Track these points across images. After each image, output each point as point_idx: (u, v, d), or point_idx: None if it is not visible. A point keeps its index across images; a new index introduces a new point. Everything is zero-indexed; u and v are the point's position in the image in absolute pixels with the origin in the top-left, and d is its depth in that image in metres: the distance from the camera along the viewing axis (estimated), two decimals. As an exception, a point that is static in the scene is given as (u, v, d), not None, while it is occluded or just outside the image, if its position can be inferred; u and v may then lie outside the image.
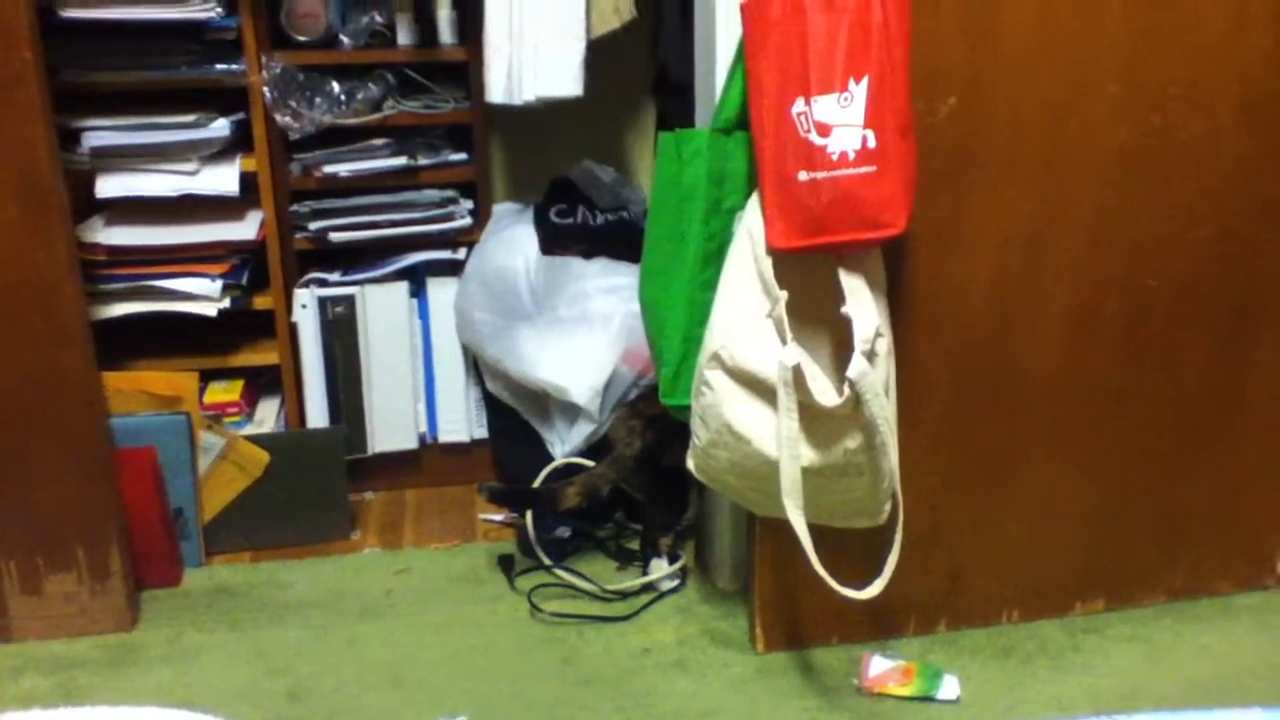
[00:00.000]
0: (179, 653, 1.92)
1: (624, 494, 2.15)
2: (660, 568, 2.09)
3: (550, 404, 2.22)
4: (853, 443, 1.54)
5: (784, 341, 1.50)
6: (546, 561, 2.12)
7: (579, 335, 2.17)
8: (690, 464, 1.71)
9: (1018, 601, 1.97)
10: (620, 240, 2.32)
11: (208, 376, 2.22)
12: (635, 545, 2.20)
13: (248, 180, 2.12)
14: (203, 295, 2.12)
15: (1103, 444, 1.90)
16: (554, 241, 2.31)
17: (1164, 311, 1.83)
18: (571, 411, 2.18)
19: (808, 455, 1.54)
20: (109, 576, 1.94)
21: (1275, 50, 1.71)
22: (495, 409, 2.35)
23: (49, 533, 1.91)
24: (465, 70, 2.25)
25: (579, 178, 2.43)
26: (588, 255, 2.30)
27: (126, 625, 1.97)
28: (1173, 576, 2.02)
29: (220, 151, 2.10)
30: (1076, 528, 1.95)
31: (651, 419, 2.07)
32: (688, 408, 1.67)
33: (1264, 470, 1.99)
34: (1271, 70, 1.72)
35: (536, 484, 2.17)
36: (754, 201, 1.56)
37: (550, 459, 2.20)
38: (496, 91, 2.10)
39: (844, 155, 1.43)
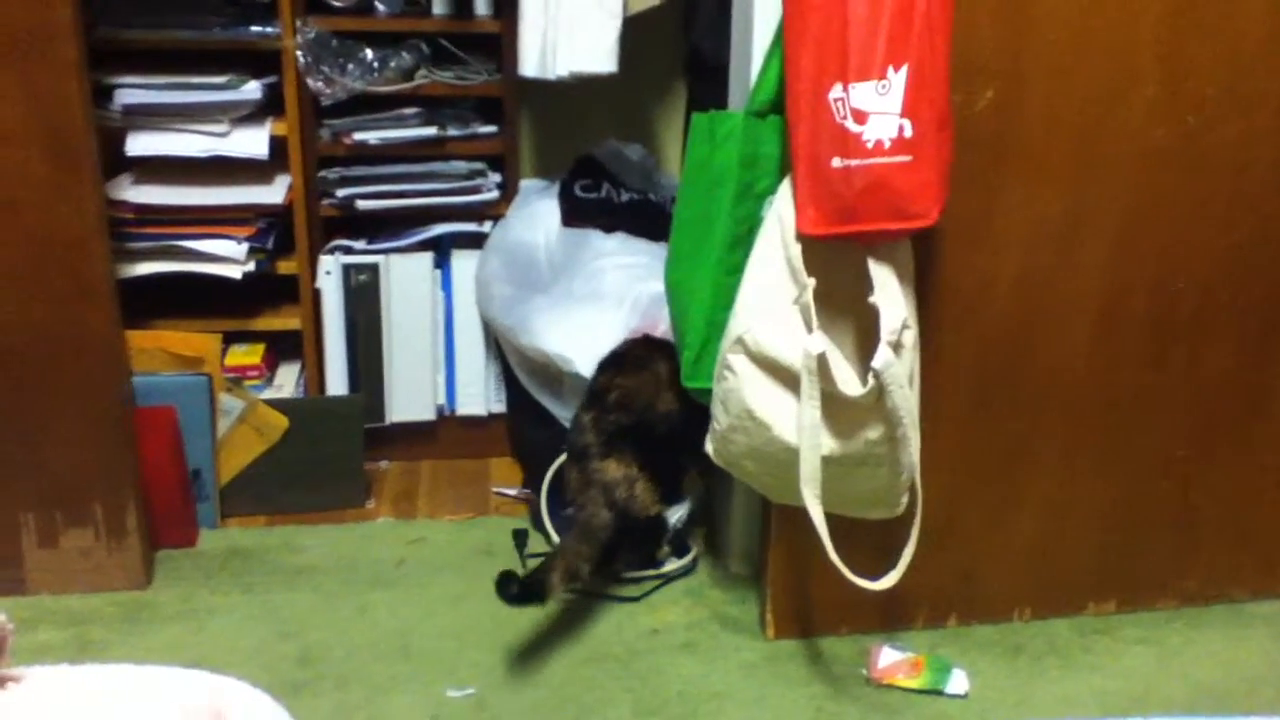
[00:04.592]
0: (191, 612, 1.93)
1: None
2: (671, 562, 2.10)
3: (564, 384, 2.22)
4: (874, 433, 1.54)
5: (810, 329, 1.49)
6: (557, 538, 2.12)
7: (591, 309, 2.16)
8: (709, 448, 1.71)
9: (1030, 599, 1.96)
10: (642, 218, 2.31)
11: (229, 339, 2.22)
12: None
13: (277, 144, 2.12)
14: (228, 257, 2.12)
15: (1122, 445, 1.89)
16: (576, 214, 2.30)
17: (1190, 315, 1.82)
18: (582, 389, 2.17)
19: (828, 444, 1.53)
20: (125, 534, 1.96)
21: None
22: (514, 384, 2.35)
23: (67, 488, 1.92)
24: (498, 42, 2.24)
25: (604, 156, 2.43)
26: (608, 229, 2.29)
27: (141, 583, 1.98)
28: (1186, 581, 2.01)
29: (251, 114, 2.10)
30: (1092, 528, 1.94)
31: (606, 487, 1.93)
32: (708, 391, 1.67)
33: (1284, 479, 1.98)
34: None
35: (549, 475, 2.17)
36: (785, 186, 1.55)
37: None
38: (529, 65, 2.09)
39: (879, 143, 1.42)
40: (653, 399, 1.98)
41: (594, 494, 1.94)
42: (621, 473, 1.94)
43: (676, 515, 2.10)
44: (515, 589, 1.77)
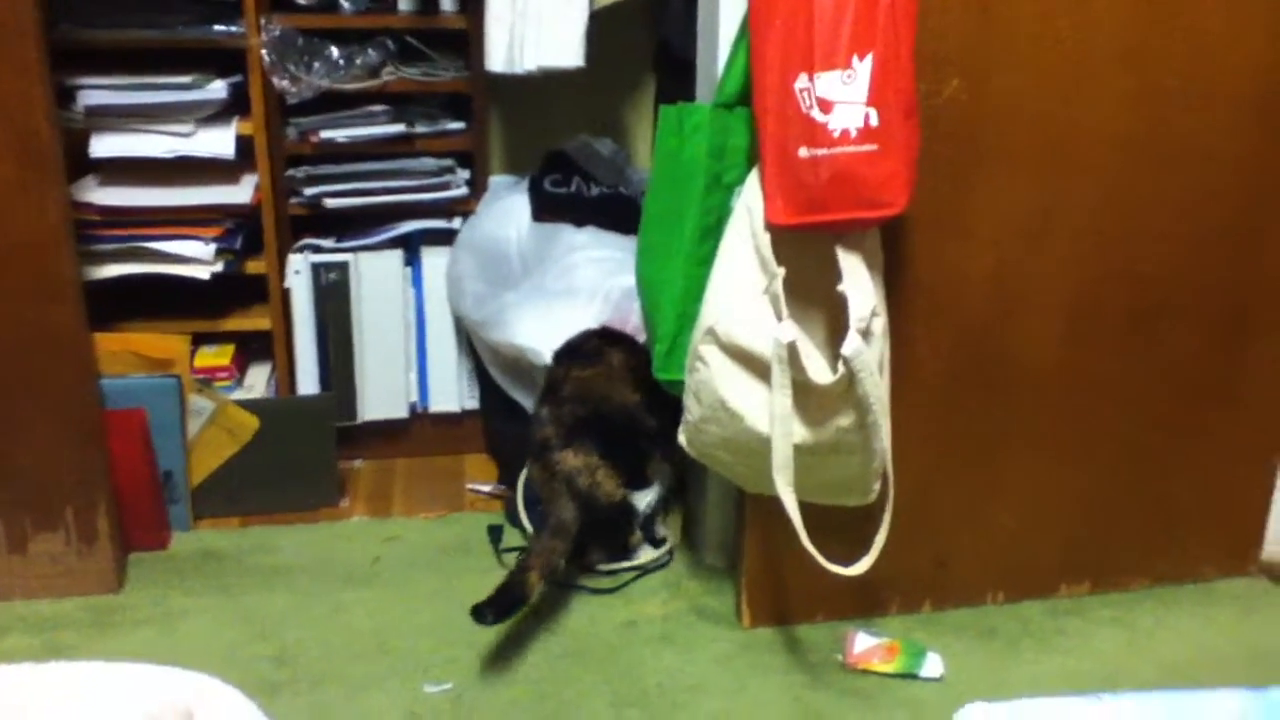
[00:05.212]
0: (164, 615, 1.92)
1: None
2: (647, 553, 2.10)
3: (536, 379, 2.21)
4: (845, 421, 1.55)
5: (779, 318, 1.50)
6: (532, 533, 2.12)
7: (563, 304, 2.16)
8: (681, 438, 1.72)
9: (1002, 583, 1.98)
10: (613, 212, 2.31)
11: (199, 340, 2.21)
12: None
13: (243, 143, 2.11)
14: (195, 258, 2.10)
15: (1093, 432, 1.91)
16: (546, 209, 2.30)
17: (1160, 304, 1.84)
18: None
19: (800, 432, 1.54)
20: (96, 538, 1.94)
21: (1276, 46, 1.71)
22: (487, 381, 2.35)
23: (37, 493, 1.90)
24: (465, 38, 2.23)
25: (574, 151, 2.42)
26: (579, 224, 2.29)
27: (113, 587, 1.97)
28: (1157, 562, 2.03)
29: (217, 114, 2.08)
30: (1064, 513, 1.96)
31: (568, 478, 1.94)
32: (681, 383, 1.67)
33: (1251, 462, 2.00)
34: (1272, 66, 1.72)
35: (524, 471, 2.17)
36: (754, 177, 1.56)
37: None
38: (497, 60, 2.09)
39: (845, 133, 1.43)
40: (608, 390, 2.00)
41: (558, 486, 1.95)
42: (581, 461, 1.94)
43: (645, 501, 2.10)
44: (491, 616, 1.77)
